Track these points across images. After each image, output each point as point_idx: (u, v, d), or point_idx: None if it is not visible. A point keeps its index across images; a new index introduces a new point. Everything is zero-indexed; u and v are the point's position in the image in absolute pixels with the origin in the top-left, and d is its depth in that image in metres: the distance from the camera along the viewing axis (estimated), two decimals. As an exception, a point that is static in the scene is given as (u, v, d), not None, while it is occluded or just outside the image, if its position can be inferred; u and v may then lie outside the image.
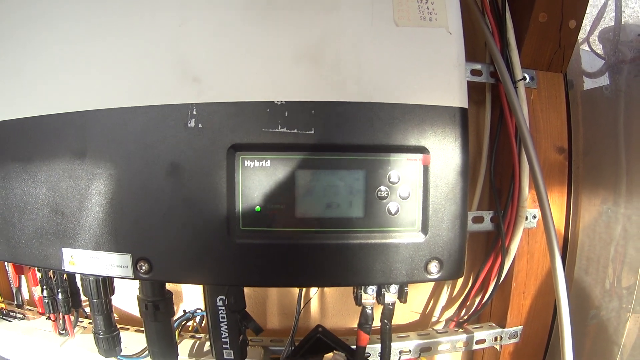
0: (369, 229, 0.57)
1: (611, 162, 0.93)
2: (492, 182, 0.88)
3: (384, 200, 0.57)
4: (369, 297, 0.66)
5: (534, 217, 0.89)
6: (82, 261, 0.60)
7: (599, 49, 1.05)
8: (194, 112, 0.56)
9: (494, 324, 0.95)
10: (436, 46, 0.59)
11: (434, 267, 0.58)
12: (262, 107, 0.55)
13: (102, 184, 0.58)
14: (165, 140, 0.56)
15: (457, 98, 0.59)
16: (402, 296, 0.66)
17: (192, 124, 0.56)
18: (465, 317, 0.95)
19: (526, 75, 0.87)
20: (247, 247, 0.56)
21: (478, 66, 0.86)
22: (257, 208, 0.56)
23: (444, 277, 0.59)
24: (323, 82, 0.56)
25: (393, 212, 0.57)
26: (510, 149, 0.85)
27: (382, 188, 0.57)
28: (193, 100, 0.56)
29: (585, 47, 1.06)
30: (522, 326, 0.93)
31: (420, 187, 0.58)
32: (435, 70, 0.58)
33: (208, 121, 0.56)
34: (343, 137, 0.56)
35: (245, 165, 0.56)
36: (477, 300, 0.93)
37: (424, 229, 0.58)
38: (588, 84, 1.02)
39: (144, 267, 0.58)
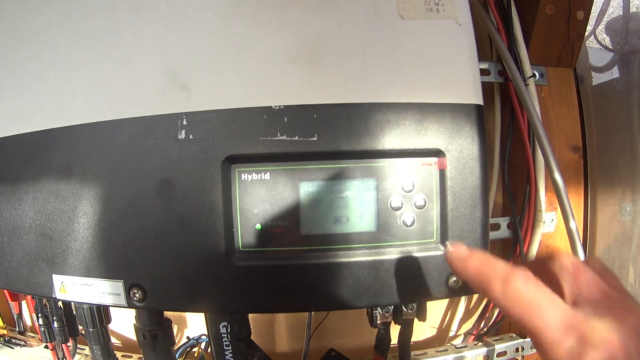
0: (383, 244, 0.49)
1: (627, 158, 0.87)
2: (507, 186, 0.80)
3: (398, 211, 0.49)
4: (385, 316, 0.58)
5: (552, 220, 0.81)
6: (73, 288, 0.53)
7: (605, 41, 1.00)
8: (184, 122, 0.49)
9: (514, 335, 0.86)
10: (446, 39, 0.52)
11: (455, 280, 0.50)
12: (259, 113, 0.48)
13: (89, 204, 0.50)
14: (154, 155, 0.49)
15: (472, 94, 0.52)
16: (421, 314, 0.58)
17: (182, 135, 0.49)
18: (485, 330, 0.87)
19: (536, 73, 0.80)
20: (248, 270, 0.49)
21: (485, 65, 0.79)
22: (258, 226, 0.49)
23: (466, 292, 0.52)
24: (325, 83, 0.49)
25: (409, 224, 0.50)
26: (523, 151, 0.78)
27: (396, 197, 0.49)
28: (182, 109, 0.49)
29: (590, 41, 1.01)
30: (543, 335, 0.85)
31: (437, 194, 0.50)
32: (446, 65, 0.51)
33: (200, 132, 0.49)
34: (350, 142, 0.48)
35: (242, 178, 0.49)
36: (497, 311, 0.85)
37: (444, 240, 0.50)
38: (596, 79, 0.96)
39: (137, 295, 0.50)
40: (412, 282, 0.50)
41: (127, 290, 0.50)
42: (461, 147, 0.50)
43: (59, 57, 0.53)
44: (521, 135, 0.77)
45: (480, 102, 0.52)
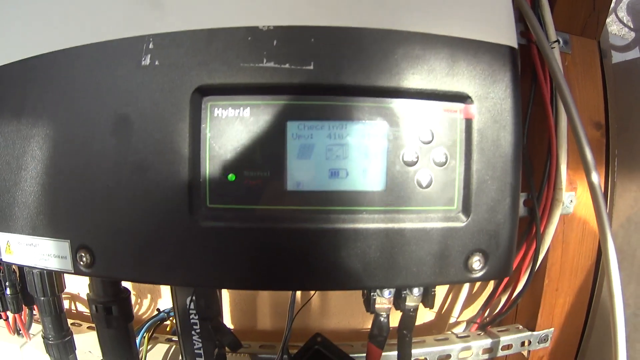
0: (392, 208, 0.38)
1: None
2: (526, 159, 0.68)
3: (413, 167, 0.37)
4: (385, 301, 0.46)
5: (571, 201, 0.69)
6: (18, 249, 0.43)
7: (627, 20, 0.90)
8: (150, 46, 0.37)
9: (521, 326, 0.75)
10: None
11: (476, 262, 0.39)
12: (242, 34, 0.36)
13: (37, 148, 0.40)
14: (112, 86, 0.38)
15: (506, 34, 0.40)
16: (428, 300, 0.47)
17: (146, 61, 0.37)
18: (488, 319, 0.75)
19: (559, 39, 0.69)
20: (216, 233, 0.37)
21: (506, 25, 0.67)
22: (231, 176, 0.37)
23: (488, 276, 0.40)
24: (328, 0, 0.36)
25: (424, 185, 0.38)
26: (545, 120, 0.66)
27: (410, 149, 0.37)
28: (151, 30, 0.37)
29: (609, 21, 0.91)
30: (553, 329, 0.74)
31: (461, 150, 0.38)
32: (478, -4, 0.39)
33: (168, 56, 0.37)
34: (355, 74, 0.36)
35: (215, 114, 0.37)
36: (504, 298, 0.73)
37: (466, 208, 0.38)
38: (616, 58, 0.86)
39: (84, 259, 0.40)
40: (424, 260, 0.38)
41: (74, 252, 0.40)
42: (492, 95, 0.38)
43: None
44: (543, 103, 0.65)
45: (515, 45, 0.40)
